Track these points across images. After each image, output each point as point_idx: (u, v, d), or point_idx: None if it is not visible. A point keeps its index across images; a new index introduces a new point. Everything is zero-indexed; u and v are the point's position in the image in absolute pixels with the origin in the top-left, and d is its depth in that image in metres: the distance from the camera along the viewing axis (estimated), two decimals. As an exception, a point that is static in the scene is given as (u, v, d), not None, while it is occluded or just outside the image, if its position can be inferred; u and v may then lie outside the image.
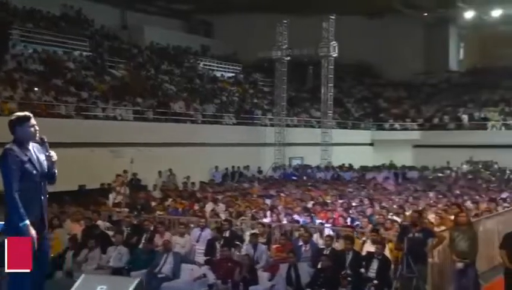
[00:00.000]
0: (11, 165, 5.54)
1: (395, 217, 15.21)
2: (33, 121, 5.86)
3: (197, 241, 13.49)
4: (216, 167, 29.83)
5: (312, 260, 11.68)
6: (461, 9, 43.27)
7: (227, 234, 13.22)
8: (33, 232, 5.48)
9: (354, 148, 38.49)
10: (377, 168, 32.89)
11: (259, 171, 31.28)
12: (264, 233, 13.25)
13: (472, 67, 47.51)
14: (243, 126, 32.26)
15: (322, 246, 12.13)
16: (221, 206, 18.45)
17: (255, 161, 31.81)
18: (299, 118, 37.15)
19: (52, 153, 5.94)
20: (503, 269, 13.74)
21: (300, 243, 12.39)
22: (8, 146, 5.65)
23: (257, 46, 37.34)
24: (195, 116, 30.46)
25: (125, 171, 21.16)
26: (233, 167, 30.30)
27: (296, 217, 15.61)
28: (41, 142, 5.93)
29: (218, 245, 12.56)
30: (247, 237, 13.47)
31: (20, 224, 5.45)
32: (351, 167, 32.62)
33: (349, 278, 10.94)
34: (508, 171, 33.50)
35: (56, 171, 5.99)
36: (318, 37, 34.11)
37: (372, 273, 10.99)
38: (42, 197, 5.85)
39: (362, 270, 11.07)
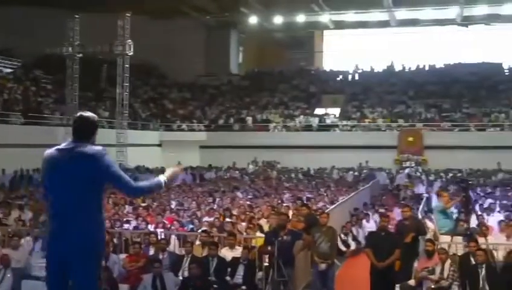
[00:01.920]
0: None
1: (228, 219, 15.13)
2: None
3: (30, 254, 12.11)
4: (3, 170, 27.25)
5: (172, 269, 11.06)
6: (244, 15, 44.94)
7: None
8: None
9: (142, 149, 37.84)
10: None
11: (50, 175, 29.18)
12: (108, 241, 12.25)
13: (251, 71, 49.58)
14: (32, 126, 29.91)
15: (181, 254, 11.57)
16: (28, 214, 16.91)
17: (44, 163, 29.59)
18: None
19: None
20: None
21: (151, 251, 11.74)
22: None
23: (40, 41, 35.04)
24: (-22, 115, 27.54)
25: None
26: (21, 169, 27.91)
27: (131, 223, 14.81)
28: None
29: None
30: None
31: None
32: (148, 169, 31.95)
33: (215, 286, 10.59)
34: (292, 171, 35.52)
35: None
36: (113, 35, 32.98)
37: (238, 279, 10.77)
38: None
39: (228, 277, 10.79)
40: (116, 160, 32.19)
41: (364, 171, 35.22)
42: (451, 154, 35.83)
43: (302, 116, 41.24)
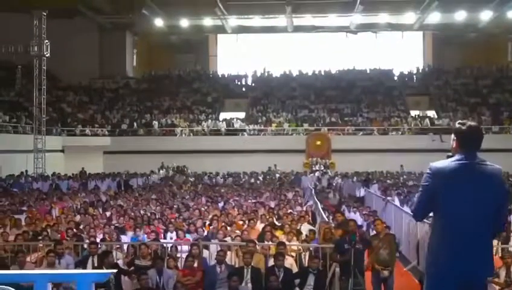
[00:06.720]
0: None
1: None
2: None
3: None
4: None
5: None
6: (139, 17, 43.68)
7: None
8: None
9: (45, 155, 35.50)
10: (98, 176, 31.02)
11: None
12: (147, 254, 11.30)
13: (148, 74, 48.33)
14: None
15: (238, 266, 10.94)
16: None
17: None
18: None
19: None
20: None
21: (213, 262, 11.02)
22: None
23: None
24: None
25: None
26: None
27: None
28: None
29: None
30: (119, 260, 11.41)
31: None
32: (69, 176, 30.04)
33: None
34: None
35: None
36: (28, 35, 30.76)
37: (308, 289, 10.37)
38: None
39: (297, 288, 10.37)
40: (35, 167, 30.17)
41: (277, 175, 35.29)
42: (357, 157, 37.08)
43: (210, 121, 40.77)
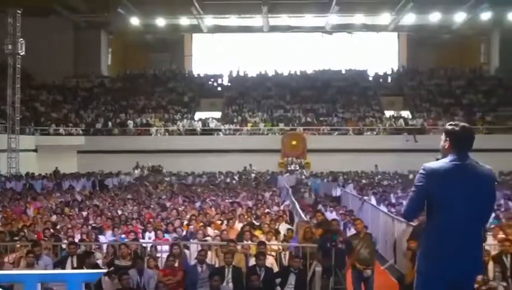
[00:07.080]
0: None
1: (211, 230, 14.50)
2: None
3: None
4: None
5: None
6: (114, 16, 43.41)
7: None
8: None
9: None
10: (72, 175, 30.71)
11: None
12: (126, 254, 11.21)
13: (123, 73, 48.05)
14: None
15: (219, 265, 10.92)
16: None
17: None
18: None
19: None
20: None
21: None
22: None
23: None
24: None
25: None
26: None
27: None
28: None
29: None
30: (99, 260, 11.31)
31: None
32: (43, 176, 29.71)
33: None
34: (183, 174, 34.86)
35: None
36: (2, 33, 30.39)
37: (290, 288, 10.40)
38: None
39: (278, 287, 10.40)
40: (8, 166, 29.79)
41: (253, 175, 35.33)
42: (332, 157, 37.21)
43: (185, 120, 40.67)
